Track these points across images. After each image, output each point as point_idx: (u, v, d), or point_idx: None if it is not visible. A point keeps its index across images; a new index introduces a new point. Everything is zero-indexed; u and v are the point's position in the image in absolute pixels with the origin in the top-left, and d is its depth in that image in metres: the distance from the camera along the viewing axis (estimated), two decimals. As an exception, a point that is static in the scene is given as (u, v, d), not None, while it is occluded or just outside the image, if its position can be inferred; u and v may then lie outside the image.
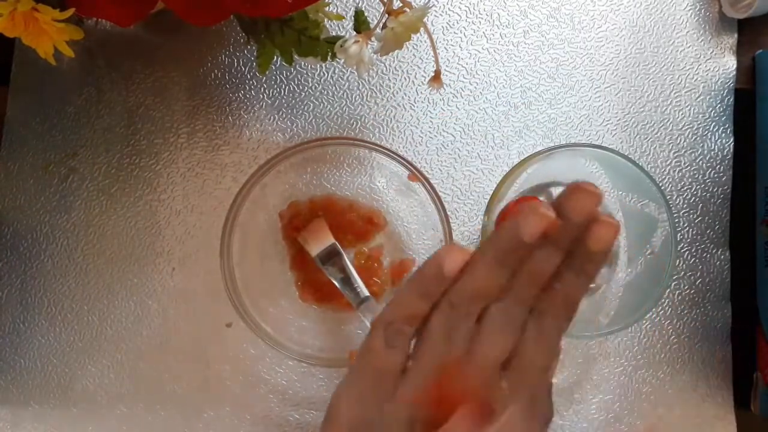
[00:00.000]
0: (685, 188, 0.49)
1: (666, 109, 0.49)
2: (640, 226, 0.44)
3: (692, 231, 0.48)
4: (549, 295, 0.29)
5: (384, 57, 0.49)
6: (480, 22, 0.50)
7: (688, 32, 0.50)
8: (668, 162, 0.49)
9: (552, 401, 0.31)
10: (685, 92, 0.49)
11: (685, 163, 0.49)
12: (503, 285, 0.29)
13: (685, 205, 0.49)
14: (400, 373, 0.29)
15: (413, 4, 0.37)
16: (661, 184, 0.48)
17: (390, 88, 0.49)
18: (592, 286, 0.46)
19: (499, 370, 0.29)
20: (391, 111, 0.49)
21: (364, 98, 0.49)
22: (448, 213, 0.45)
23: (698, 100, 0.49)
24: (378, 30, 0.37)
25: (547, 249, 0.28)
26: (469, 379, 0.29)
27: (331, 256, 0.45)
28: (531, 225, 0.27)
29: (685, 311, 0.48)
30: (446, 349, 0.29)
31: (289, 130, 0.49)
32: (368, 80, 0.49)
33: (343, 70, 0.49)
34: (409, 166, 0.45)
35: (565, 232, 0.28)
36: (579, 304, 0.29)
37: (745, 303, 0.48)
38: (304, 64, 0.49)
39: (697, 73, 0.50)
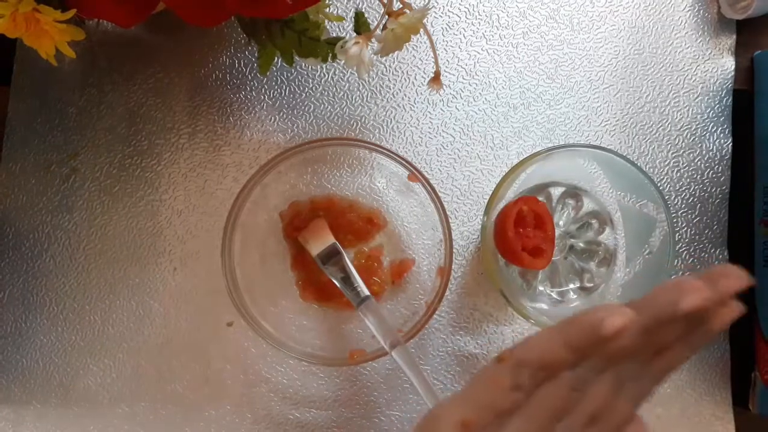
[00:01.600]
0: (684, 188, 0.49)
1: (664, 109, 0.49)
2: (639, 226, 0.44)
3: (690, 231, 0.49)
4: (656, 359, 0.30)
5: (384, 58, 0.49)
6: (479, 24, 0.50)
7: (686, 33, 0.50)
8: (667, 162, 0.49)
9: None
10: (684, 93, 0.50)
11: (683, 164, 0.49)
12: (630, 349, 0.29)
13: (683, 205, 0.49)
14: (514, 411, 0.29)
15: (413, 5, 0.37)
16: (659, 185, 0.48)
17: (390, 89, 0.49)
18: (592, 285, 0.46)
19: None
20: (391, 112, 0.49)
21: (365, 99, 0.49)
22: (448, 213, 0.45)
23: (697, 100, 0.50)
24: (378, 31, 0.37)
25: (682, 322, 0.29)
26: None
27: (331, 255, 0.45)
28: (693, 301, 0.28)
29: (684, 311, 0.48)
30: (563, 400, 0.29)
31: (289, 130, 0.49)
32: (368, 81, 0.49)
33: (344, 71, 0.49)
34: (409, 167, 0.45)
35: (702, 309, 0.29)
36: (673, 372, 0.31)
37: (743, 303, 0.48)
38: (305, 65, 0.49)
39: (696, 74, 0.50)
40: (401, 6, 0.37)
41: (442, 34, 0.50)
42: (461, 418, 0.28)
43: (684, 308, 0.28)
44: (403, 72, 0.49)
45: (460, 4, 0.50)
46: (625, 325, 0.28)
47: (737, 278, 0.30)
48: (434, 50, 0.39)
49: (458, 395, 0.30)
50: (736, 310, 0.30)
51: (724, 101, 0.49)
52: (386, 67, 0.50)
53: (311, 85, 0.49)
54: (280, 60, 0.48)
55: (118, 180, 0.49)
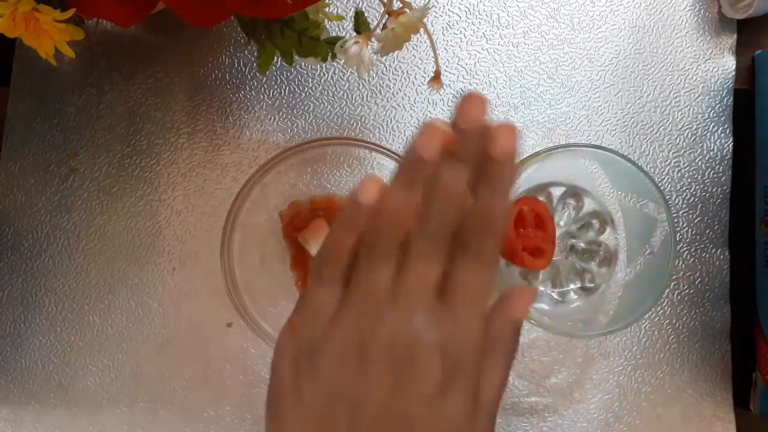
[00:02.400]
0: (685, 188, 0.49)
1: (665, 109, 0.49)
2: (640, 226, 0.44)
3: (691, 231, 0.48)
4: (469, 215, 0.28)
5: (384, 57, 0.49)
6: (480, 23, 0.50)
7: (687, 33, 0.50)
8: (667, 162, 0.49)
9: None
10: (685, 92, 0.50)
11: (684, 163, 0.49)
12: (422, 212, 0.28)
13: (684, 205, 0.49)
14: (335, 305, 0.29)
15: (413, 4, 0.37)
16: (660, 184, 0.48)
17: (390, 88, 0.49)
18: (592, 282, 0.46)
19: (433, 297, 0.28)
20: (391, 111, 0.49)
21: (365, 99, 0.49)
22: (448, 213, 0.45)
23: (697, 100, 0.49)
24: (378, 31, 0.37)
25: (450, 163, 0.28)
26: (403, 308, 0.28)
27: (331, 255, 0.45)
28: (426, 140, 0.27)
29: (685, 311, 0.48)
30: (374, 277, 0.28)
31: (289, 130, 0.49)
32: (368, 81, 0.49)
33: (344, 70, 0.49)
34: (409, 166, 0.45)
35: (464, 144, 0.28)
36: (503, 221, 0.28)
37: (744, 303, 0.48)
38: (305, 64, 0.49)
39: (697, 74, 0.50)
40: (401, 5, 0.37)
41: (443, 34, 0.50)
42: (288, 324, 0.31)
43: (421, 150, 0.27)
44: (403, 71, 0.49)
45: (460, 3, 0.50)
46: (376, 188, 0.28)
47: (472, 98, 0.28)
48: (434, 50, 0.39)
49: (288, 319, 0.31)
50: (504, 127, 0.28)
51: (725, 101, 0.49)
52: (386, 67, 0.49)
53: (311, 85, 0.49)
54: (279, 59, 0.48)
55: (117, 180, 0.49)
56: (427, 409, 0.27)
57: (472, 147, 0.28)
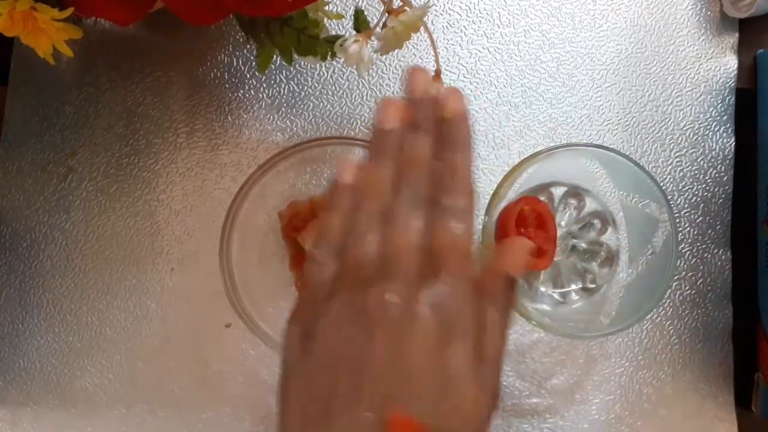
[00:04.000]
0: (686, 188, 0.49)
1: (667, 108, 0.49)
2: (641, 226, 0.44)
3: (693, 231, 0.48)
4: (437, 176, 0.30)
5: (384, 56, 0.49)
6: (480, 21, 0.50)
7: (689, 32, 0.50)
8: (669, 162, 0.49)
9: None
10: (686, 92, 0.49)
11: (686, 163, 0.49)
12: (395, 182, 0.30)
13: (686, 205, 0.48)
14: (329, 287, 0.30)
15: (413, 3, 0.37)
16: (662, 184, 0.48)
17: (390, 87, 0.49)
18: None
19: (418, 259, 0.29)
20: (391, 110, 0.49)
21: (364, 98, 0.49)
22: (449, 213, 0.45)
23: (699, 99, 0.49)
24: (378, 29, 0.37)
25: (411, 132, 0.31)
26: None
27: (330, 256, 0.45)
28: (383, 112, 0.31)
29: (686, 311, 0.48)
30: (361, 247, 0.29)
31: (288, 129, 0.49)
32: (368, 80, 0.49)
33: (343, 69, 0.49)
34: (410, 166, 0.45)
35: (417, 112, 0.31)
36: (470, 178, 0.31)
37: (746, 303, 0.48)
38: (304, 63, 0.49)
39: (698, 73, 0.49)
40: (401, 4, 0.36)
41: (443, 32, 0.49)
42: (292, 313, 0.32)
43: (381, 121, 0.31)
44: (403, 70, 0.49)
45: (460, 2, 0.50)
46: (352, 167, 0.31)
47: (416, 71, 0.32)
48: (435, 48, 0.38)
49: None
50: (449, 90, 0.31)
51: (727, 100, 0.49)
52: (386, 66, 0.49)
53: (310, 84, 0.49)
54: (278, 58, 0.48)
55: (115, 179, 0.48)
56: (428, 361, 0.27)
57: (426, 115, 0.31)
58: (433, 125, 0.31)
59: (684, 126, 0.49)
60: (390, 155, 0.30)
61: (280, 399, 0.29)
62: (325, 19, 0.42)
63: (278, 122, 0.49)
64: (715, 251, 0.48)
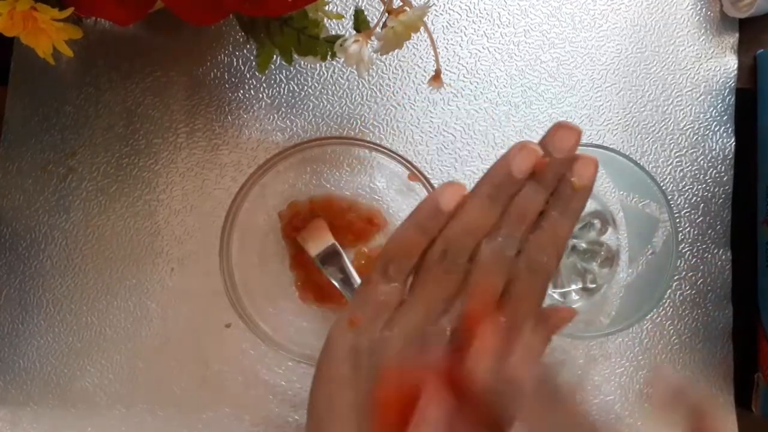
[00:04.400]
0: (687, 188, 0.49)
1: (667, 108, 0.49)
2: (641, 226, 0.44)
3: (693, 231, 0.48)
4: (536, 234, 0.30)
5: (384, 56, 0.49)
6: (480, 21, 0.50)
7: (689, 31, 0.50)
8: (669, 162, 0.49)
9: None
10: (686, 92, 0.49)
11: (686, 163, 0.49)
12: (495, 223, 0.30)
13: (686, 205, 0.48)
14: (397, 304, 0.31)
15: (413, 3, 0.37)
16: (662, 184, 0.48)
17: (390, 87, 0.49)
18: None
19: (494, 307, 0.30)
20: (391, 110, 0.49)
21: (364, 98, 0.49)
22: (449, 213, 0.45)
23: (699, 99, 0.49)
24: (378, 29, 0.37)
25: (532, 185, 0.30)
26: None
27: (331, 256, 0.45)
28: (520, 160, 0.30)
29: (687, 311, 0.48)
30: (442, 283, 0.30)
31: (288, 129, 0.49)
32: (368, 80, 0.49)
33: (343, 69, 0.49)
34: (410, 166, 0.45)
35: (549, 169, 0.30)
36: (566, 243, 0.31)
37: (746, 303, 0.48)
38: (304, 63, 0.49)
39: (698, 73, 0.49)
40: (401, 4, 0.36)
41: (443, 32, 0.49)
42: (348, 319, 0.31)
43: (514, 169, 0.30)
44: (403, 70, 0.49)
45: (460, 2, 0.50)
46: (457, 196, 0.30)
47: (569, 129, 0.30)
48: (435, 48, 0.38)
49: (347, 306, 0.32)
50: (588, 159, 0.30)
51: (727, 100, 0.49)
52: (386, 66, 0.49)
53: (310, 84, 0.49)
54: (278, 58, 0.48)
55: (115, 180, 0.48)
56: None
57: (556, 174, 0.30)
58: (554, 180, 0.31)
59: (684, 126, 0.49)
60: (503, 202, 0.30)
61: (324, 408, 0.30)
62: (325, 19, 0.42)
63: (278, 122, 0.49)
64: (715, 251, 0.48)
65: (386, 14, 0.36)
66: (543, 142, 0.30)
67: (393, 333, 0.30)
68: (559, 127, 0.30)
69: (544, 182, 0.30)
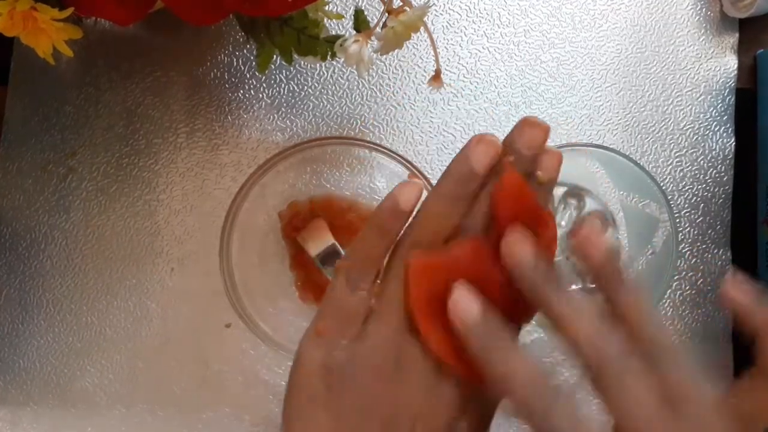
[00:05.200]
0: (687, 188, 0.49)
1: (667, 108, 0.49)
2: (641, 226, 0.44)
3: (693, 231, 0.48)
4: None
5: (384, 56, 0.49)
6: (480, 21, 0.50)
7: (689, 31, 0.50)
8: (669, 161, 0.49)
9: None
10: (686, 92, 0.49)
11: (686, 163, 0.49)
12: (458, 222, 0.29)
13: (686, 205, 0.48)
14: (365, 313, 0.29)
15: (413, 3, 0.37)
16: (662, 184, 0.48)
17: (390, 87, 0.49)
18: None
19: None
20: (391, 110, 0.49)
21: (364, 98, 0.49)
22: (449, 213, 0.45)
23: (699, 99, 0.49)
24: (378, 29, 0.37)
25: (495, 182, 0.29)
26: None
27: (331, 256, 0.45)
28: (480, 153, 0.28)
29: (686, 311, 0.48)
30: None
31: (288, 129, 0.49)
32: (368, 80, 0.49)
33: (343, 69, 0.49)
34: (410, 166, 0.45)
35: (518, 166, 0.28)
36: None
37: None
38: (304, 63, 0.49)
39: (698, 73, 0.49)
40: (401, 4, 0.36)
41: (443, 32, 0.49)
42: (315, 328, 0.30)
43: (474, 164, 0.28)
44: (403, 70, 0.49)
45: (460, 2, 0.50)
46: (417, 194, 0.29)
47: (536, 126, 0.29)
48: (435, 48, 0.38)
49: (314, 318, 0.31)
50: (554, 154, 0.29)
51: (727, 100, 0.49)
52: (386, 66, 0.49)
53: (310, 84, 0.49)
54: (278, 58, 0.48)
55: (115, 180, 0.48)
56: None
57: (521, 168, 0.29)
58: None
59: (684, 126, 0.49)
60: (466, 200, 0.29)
61: (298, 421, 0.29)
62: (325, 19, 0.42)
63: (278, 122, 0.49)
64: (715, 251, 0.48)
65: (386, 14, 0.36)
66: (510, 139, 0.29)
67: (365, 345, 0.29)
68: (526, 124, 0.29)
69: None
